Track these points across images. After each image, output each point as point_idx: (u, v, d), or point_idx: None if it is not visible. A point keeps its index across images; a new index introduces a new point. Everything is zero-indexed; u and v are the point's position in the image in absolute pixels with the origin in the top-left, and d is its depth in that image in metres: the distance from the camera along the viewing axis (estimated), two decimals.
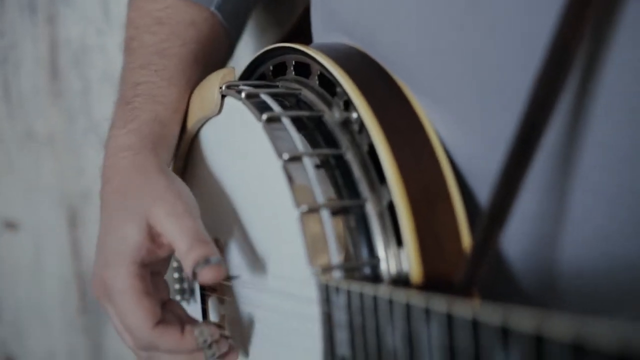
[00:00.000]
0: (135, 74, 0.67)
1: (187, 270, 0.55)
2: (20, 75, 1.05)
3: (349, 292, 0.45)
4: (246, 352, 0.63)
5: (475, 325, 0.34)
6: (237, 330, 0.64)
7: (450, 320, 0.36)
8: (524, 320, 0.31)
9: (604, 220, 0.49)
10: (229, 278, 0.64)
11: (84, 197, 1.07)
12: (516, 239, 0.51)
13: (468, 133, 0.51)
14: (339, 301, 0.46)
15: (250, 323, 0.62)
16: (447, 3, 0.50)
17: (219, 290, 0.67)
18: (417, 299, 0.39)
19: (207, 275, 0.54)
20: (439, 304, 0.37)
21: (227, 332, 0.65)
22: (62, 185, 1.08)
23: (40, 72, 1.04)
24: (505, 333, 0.32)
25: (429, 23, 0.51)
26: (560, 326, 0.29)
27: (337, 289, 0.46)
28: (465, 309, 0.35)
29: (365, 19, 0.57)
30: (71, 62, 1.02)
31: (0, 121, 1.07)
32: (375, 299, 0.43)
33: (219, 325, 0.64)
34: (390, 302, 0.41)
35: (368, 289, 0.43)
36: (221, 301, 0.67)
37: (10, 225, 1.11)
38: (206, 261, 0.54)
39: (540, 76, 0.43)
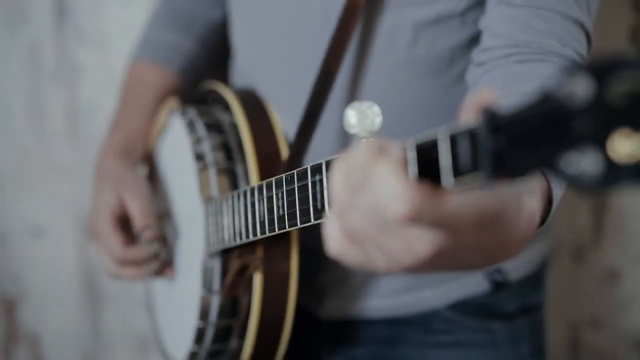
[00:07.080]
0: (118, 111, 1.12)
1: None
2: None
3: (221, 199, 0.86)
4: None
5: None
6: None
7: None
8: None
9: None
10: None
11: None
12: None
13: (290, 120, 0.91)
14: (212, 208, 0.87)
15: (173, 244, 1.03)
16: (277, 46, 0.92)
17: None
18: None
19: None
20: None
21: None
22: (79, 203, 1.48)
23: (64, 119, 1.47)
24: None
25: (269, 58, 0.95)
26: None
27: (214, 200, 0.87)
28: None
29: (245, 59, 1.01)
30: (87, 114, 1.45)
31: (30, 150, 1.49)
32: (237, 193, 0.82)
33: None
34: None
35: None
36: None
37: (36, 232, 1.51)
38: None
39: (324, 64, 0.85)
